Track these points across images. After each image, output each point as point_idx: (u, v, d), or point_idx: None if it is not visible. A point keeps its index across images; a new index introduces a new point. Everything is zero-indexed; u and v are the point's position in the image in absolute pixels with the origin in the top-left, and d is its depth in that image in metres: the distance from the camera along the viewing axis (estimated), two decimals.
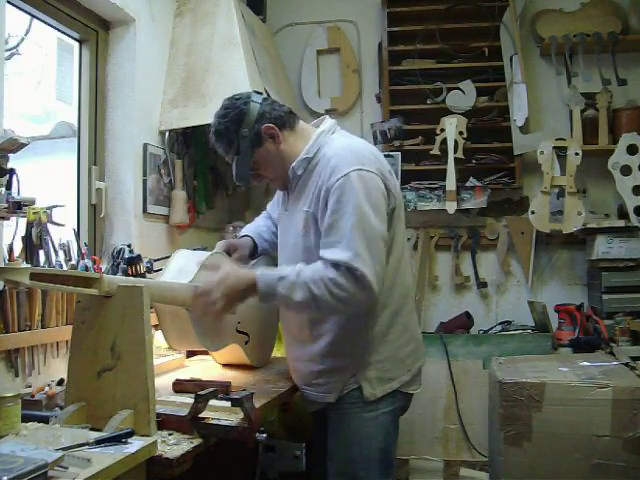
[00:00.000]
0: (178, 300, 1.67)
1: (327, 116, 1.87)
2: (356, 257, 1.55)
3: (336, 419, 1.76)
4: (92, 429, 1.40)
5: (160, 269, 2.14)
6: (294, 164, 1.74)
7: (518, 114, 3.28)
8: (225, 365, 2.16)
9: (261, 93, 1.82)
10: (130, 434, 1.32)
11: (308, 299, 1.58)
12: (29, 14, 2.29)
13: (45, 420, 1.51)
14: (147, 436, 1.38)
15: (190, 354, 2.33)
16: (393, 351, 1.75)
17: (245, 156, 1.74)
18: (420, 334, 1.89)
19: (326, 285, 1.56)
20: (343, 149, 1.68)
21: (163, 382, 1.85)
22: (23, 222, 1.84)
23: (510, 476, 2.31)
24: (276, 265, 1.85)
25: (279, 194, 2.06)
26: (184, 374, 2.03)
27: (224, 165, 3.44)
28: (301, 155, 1.74)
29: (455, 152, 3.27)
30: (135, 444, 1.29)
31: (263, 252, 2.07)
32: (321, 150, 1.73)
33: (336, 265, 1.56)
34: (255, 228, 2.09)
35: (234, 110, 1.73)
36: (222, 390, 1.58)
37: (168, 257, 1.93)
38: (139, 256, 2.20)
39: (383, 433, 1.74)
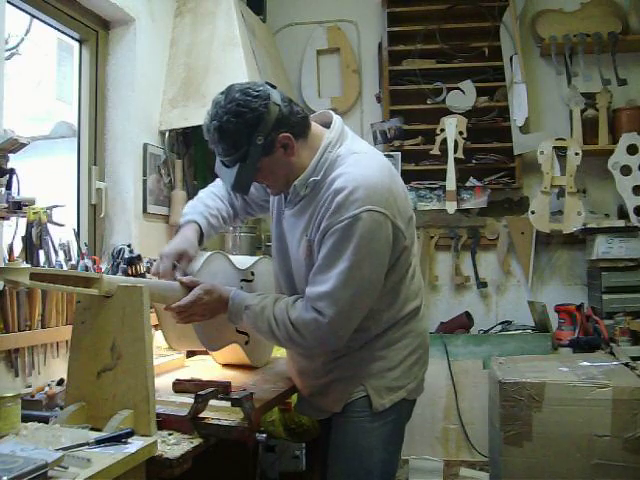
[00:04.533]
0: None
1: (332, 114, 1.65)
2: (333, 309, 1.50)
3: (339, 428, 1.71)
4: (92, 429, 1.40)
5: None
6: (296, 183, 1.56)
7: (518, 114, 3.28)
8: (225, 365, 2.16)
9: (275, 87, 1.56)
10: (130, 434, 1.32)
11: (268, 334, 1.61)
12: (29, 14, 2.30)
13: (45, 420, 1.51)
14: (147, 436, 1.37)
15: (190, 354, 2.33)
16: (402, 359, 1.69)
17: (251, 165, 1.50)
18: (428, 340, 1.82)
19: (287, 330, 1.56)
20: (354, 180, 1.48)
21: (163, 382, 1.84)
22: (23, 222, 1.84)
23: (510, 476, 2.31)
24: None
25: None
26: (184, 374, 2.02)
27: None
28: (306, 173, 1.55)
29: (455, 152, 3.27)
30: (135, 444, 1.29)
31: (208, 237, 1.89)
32: (328, 172, 1.54)
33: (312, 308, 1.53)
34: (203, 210, 1.84)
35: (251, 112, 1.47)
36: (222, 390, 1.58)
37: None
38: (139, 256, 2.20)
39: (385, 444, 1.67)
